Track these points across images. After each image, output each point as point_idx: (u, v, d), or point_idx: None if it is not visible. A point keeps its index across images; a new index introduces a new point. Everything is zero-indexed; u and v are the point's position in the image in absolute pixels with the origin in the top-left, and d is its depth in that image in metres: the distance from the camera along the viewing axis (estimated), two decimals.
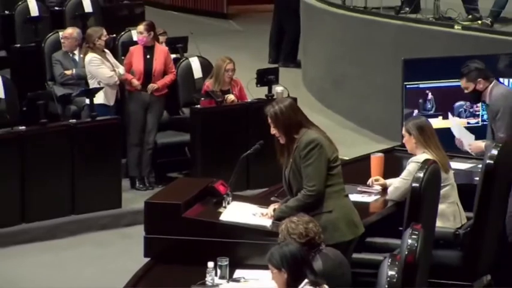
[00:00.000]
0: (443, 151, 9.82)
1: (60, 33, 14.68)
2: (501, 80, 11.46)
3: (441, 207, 9.64)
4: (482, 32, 15.19)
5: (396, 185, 9.60)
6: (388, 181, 9.94)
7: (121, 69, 13.89)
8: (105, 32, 14.19)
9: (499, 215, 9.94)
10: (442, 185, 9.63)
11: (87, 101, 13.75)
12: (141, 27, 14.14)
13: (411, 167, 9.50)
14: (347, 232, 8.34)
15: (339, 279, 7.62)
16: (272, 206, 8.83)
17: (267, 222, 8.61)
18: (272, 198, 9.20)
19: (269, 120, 8.73)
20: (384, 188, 9.87)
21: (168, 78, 14.05)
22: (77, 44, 14.41)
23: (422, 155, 9.56)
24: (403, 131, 9.97)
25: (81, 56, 14.26)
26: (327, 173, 8.60)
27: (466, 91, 10.71)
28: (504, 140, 10.14)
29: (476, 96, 10.72)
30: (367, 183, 9.99)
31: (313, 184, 8.52)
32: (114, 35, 14.84)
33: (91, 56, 13.86)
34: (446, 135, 10.61)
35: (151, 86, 13.76)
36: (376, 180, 9.99)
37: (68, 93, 14.10)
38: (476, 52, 13.44)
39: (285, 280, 7.03)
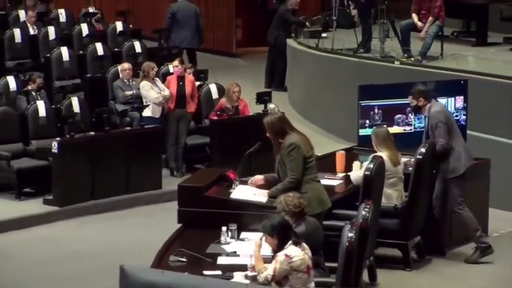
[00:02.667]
0: (395, 150, 9.79)
1: (119, 67, 14.65)
2: None
3: (389, 191, 9.69)
4: (414, 66, 15.12)
5: (359, 173, 9.49)
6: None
7: (166, 92, 13.83)
8: (155, 66, 14.21)
9: (425, 195, 10.00)
10: (391, 176, 9.63)
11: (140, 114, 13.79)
12: (176, 62, 14.18)
13: (367, 161, 9.42)
14: (317, 207, 8.34)
15: (317, 237, 7.69)
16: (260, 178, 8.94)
17: (264, 199, 8.63)
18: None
19: (265, 127, 8.80)
20: (346, 180, 9.78)
21: (193, 106, 14.11)
22: (131, 74, 14.43)
23: (376, 153, 9.60)
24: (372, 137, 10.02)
25: (134, 82, 14.31)
26: (304, 166, 8.61)
27: (411, 105, 10.51)
28: (443, 143, 10.08)
29: (416, 110, 10.49)
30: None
31: (293, 174, 8.57)
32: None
33: (143, 83, 13.87)
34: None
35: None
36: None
37: (124, 109, 14.09)
38: (409, 80, 13.32)
39: (276, 243, 7.08)
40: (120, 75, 14.51)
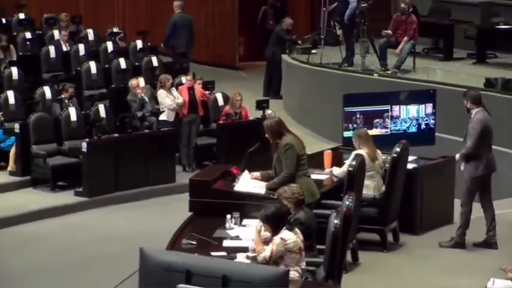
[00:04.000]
0: (374, 148, 9.73)
1: (130, 82, 14.54)
2: (400, 106, 11.28)
3: (367, 182, 9.61)
4: (390, 78, 15.20)
5: (344, 169, 9.43)
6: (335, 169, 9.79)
7: (180, 100, 13.84)
8: (171, 78, 14.25)
9: (400, 187, 9.95)
10: (369, 169, 9.56)
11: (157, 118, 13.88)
12: (189, 77, 14.26)
13: (350, 159, 9.41)
14: (308, 198, 8.22)
15: (312, 225, 7.65)
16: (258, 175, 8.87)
17: (262, 191, 8.61)
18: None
19: (265, 130, 8.79)
20: (332, 175, 9.70)
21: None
22: (138, 85, 14.39)
23: (358, 151, 9.54)
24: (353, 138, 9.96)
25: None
26: (297, 162, 8.61)
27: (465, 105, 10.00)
28: (469, 147, 9.74)
29: (467, 110, 9.93)
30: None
31: (288, 170, 8.56)
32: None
33: (160, 92, 13.94)
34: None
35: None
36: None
37: (143, 114, 14.12)
38: (386, 90, 13.46)
39: (271, 229, 7.07)
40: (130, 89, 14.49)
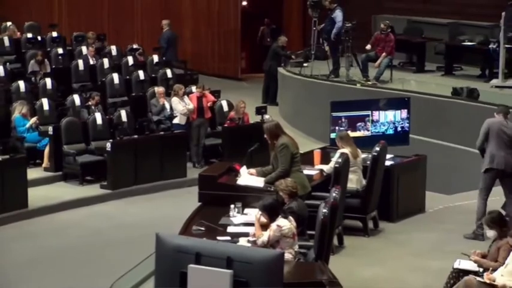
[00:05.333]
0: (355, 147, 9.69)
1: (155, 88, 14.62)
2: (379, 112, 11.22)
3: (351, 176, 9.56)
4: (371, 87, 15.19)
5: (331, 165, 9.37)
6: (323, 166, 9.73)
7: (191, 106, 13.82)
8: (183, 87, 14.22)
9: (379, 181, 9.94)
10: (352, 165, 9.52)
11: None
12: (199, 88, 14.20)
13: (336, 156, 9.41)
14: (301, 190, 8.15)
15: (303, 212, 7.64)
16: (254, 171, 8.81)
17: (261, 184, 8.57)
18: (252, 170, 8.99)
19: (264, 132, 8.79)
20: (321, 170, 9.64)
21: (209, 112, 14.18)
22: (164, 94, 14.42)
23: (341, 150, 9.51)
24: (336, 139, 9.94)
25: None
26: (291, 160, 8.57)
27: None
28: (477, 144, 9.69)
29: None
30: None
31: (283, 166, 8.53)
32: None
33: (173, 99, 13.94)
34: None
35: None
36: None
37: (159, 119, 14.11)
38: (368, 97, 13.44)
39: (268, 217, 7.06)
40: (157, 94, 14.45)
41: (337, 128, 10.85)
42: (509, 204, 9.71)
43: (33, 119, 13.35)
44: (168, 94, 14.46)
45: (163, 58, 17.56)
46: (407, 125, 11.46)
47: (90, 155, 13.02)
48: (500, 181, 9.77)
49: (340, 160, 9.16)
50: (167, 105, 14.23)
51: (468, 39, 16.53)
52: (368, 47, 15.74)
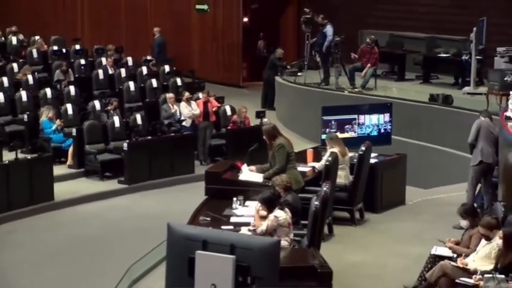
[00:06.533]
0: (343, 147, 9.67)
1: (166, 95, 14.53)
2: (365, 115, 11.16)
3: (339, 173, 9.50)
4: (357, 94, 15.17)
5: (322, 163, 9.40)
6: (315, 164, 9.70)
7: (197, 111, 13.84)
8: (188, 94, 14.20)
9: (365, 177, 9.89)
10: (340, 163, 9.49)
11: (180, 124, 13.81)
12: (205, 95, 14.25)
13: (326, 155, 9.42)
14: (295, 185, 8.20)
15: (297, 204, 7.63)
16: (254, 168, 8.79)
17: (260, 180, 8.56)
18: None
19: (263, 133, 8.79)
20: (313, 167, 9.66)
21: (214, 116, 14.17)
22: (174, 99, 14.40)
23: (331, 149, 9.48)
24: (326, 140, 9.91)
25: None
26: (287, 158, 8.58)
27: None
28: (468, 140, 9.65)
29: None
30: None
31: (280, 164, 8.53)
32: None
33: (182, 104, 13.97)
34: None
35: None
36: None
37: (169, 122, 14.06)
38: (354, 103, 13.37)
39: (266, 209, 7.05)
40: (168, 101, 14.40)
41: (327, 130, 10.83)
42: (486, 198, 9.69)
43: (59, 122, 13.36)
44: (178, 100, 14.45)
45: (155, 58, 17.88)
46: (390, 127, 11.43)
47: (109, 153, 13.00)
48: (485, 174, 9.77)
49: (330, 158, 9.14)
50: (178, 111, 14.20)
51: (443, 51, 16.55)
52: (353, 55, 15.74)
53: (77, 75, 16.04)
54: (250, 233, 6.96)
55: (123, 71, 16.27)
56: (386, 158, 10.74)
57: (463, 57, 15.43)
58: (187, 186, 12.80)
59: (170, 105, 14.23)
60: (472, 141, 9.71)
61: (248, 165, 8.89)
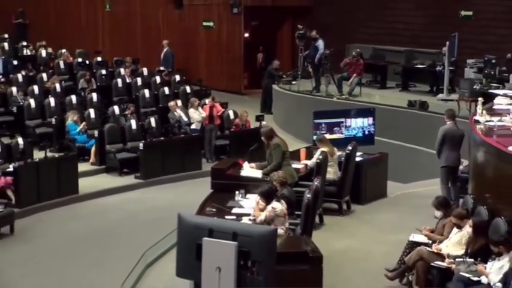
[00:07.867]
0: (332, 146, 9.66)
1: (169, 104, 14.42)
2: (351, 119, 11.11)
3: (329, 169, 9.51)
4: (345, 100, 15.14)
5: (314, 161, 9.35)
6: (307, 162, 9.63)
7: (203, 115, 13.80)
8: (198, 100, 14.16)
9: (351, 173, 9.87)
10: (330, 161, 9.49)
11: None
12: (210, 100, 14.26)
13: (317, 154, 9.38)
14: (290, 180, 8.20)
15: (292, 197, 7.61)
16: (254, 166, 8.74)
17: (259, 175, 8.53)
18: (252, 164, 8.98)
19: (261, 135, 8.78)
20: (306, 165, 9.61)
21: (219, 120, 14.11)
22: (175, 105, 14.30)
23: (321, 149, 9.44)
24: (316, 141, 9.87)
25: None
26: (282, 156, 8.57)
27: None
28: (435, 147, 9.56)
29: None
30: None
31: (276, 161, 8.53)
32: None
33: (191, 109, 13.88)
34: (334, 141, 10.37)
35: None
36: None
37: (179, 125, 14.00)
38: (342, 108, 13.33)
39: (264, 201, 7.02)
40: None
41: (318, 132, 10.82)
42: (453, 192, 9.68)
43: (83, 125, 13.36)
44: (185, 106, 14.39)
45: (167, 74, 17.73)
46: (373, 129, 11.41)
47: (126, 152, 12.97)
48: (451, 174, 9.76)
49: (320, 157, 9.14)
50: (182, 115, 14.11)
51: (420, 63, 16.54)
52: (342, 63, 15.74)
53: (98, 84, 16.04)
54: (250, 222, 6.95)
55: (139, 80, 16.26)
56: (370, 157, 10.72)
57: (437, 68, 15.45)
58: (195, 181, 12.73)
59: (173, 111, 14.16)
60: (438, 149, 9.60)
61: (249, 162, 8.88)
